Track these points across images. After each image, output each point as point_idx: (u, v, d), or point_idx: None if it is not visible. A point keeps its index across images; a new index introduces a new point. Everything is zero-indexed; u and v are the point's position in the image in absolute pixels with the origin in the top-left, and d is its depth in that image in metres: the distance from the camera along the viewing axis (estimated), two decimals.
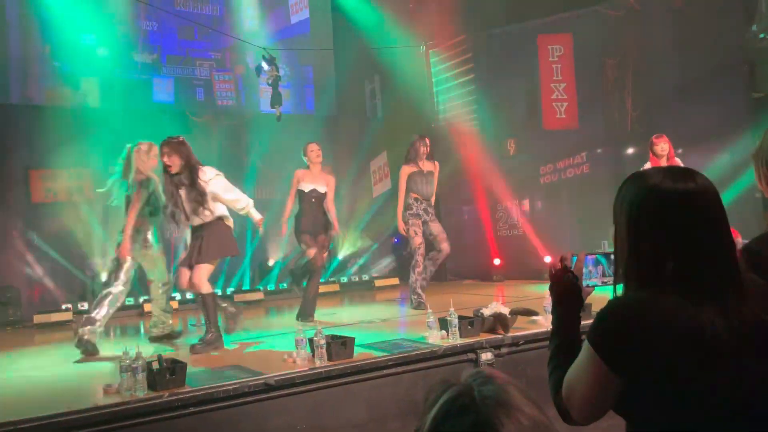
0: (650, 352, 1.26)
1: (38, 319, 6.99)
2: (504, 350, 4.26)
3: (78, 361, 4.63)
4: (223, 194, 4.77)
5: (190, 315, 6.90)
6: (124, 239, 5.04)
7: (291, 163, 8.71)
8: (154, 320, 5.46)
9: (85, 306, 7.55)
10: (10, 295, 7.22)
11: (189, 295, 7.13)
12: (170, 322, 5.52)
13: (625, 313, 1.33)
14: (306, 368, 3.70)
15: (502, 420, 0.80)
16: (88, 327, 4.76)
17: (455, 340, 4.21)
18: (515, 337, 4.32)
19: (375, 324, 5.60)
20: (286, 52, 9.09)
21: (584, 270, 1.63)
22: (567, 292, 1.61)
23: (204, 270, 4.74)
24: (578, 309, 1.61)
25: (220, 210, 4.85)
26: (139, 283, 6.16)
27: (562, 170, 8.61)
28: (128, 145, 5.25)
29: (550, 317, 1.64)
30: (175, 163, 4.67)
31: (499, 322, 4.42)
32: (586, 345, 1.37)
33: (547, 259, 7.85)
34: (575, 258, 1.64)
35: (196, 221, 4.78)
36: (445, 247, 6.36)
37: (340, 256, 9.38)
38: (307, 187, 6.07)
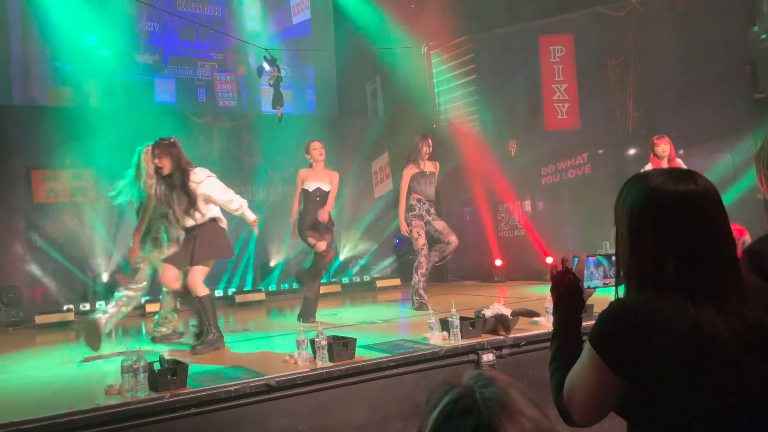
0: (651, 354, 1.27)
1: (40, 319, 6.99)
2: (505, 351, 4.26)
3: (84, 360, 4.65)
4: (216, 195, 4.75)
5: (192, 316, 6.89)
6: (134, 242, 5.10)
7: (292, 164, 8.76)
8: (160, 319, 5.47)
9: (87, 307, 7.56)
10: (11, 296, 7.23)
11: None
12: (174, 323, 5.54)
13: (627, 314, 1.33)
14: (307, 369, 3.70)
15: (504, 422, 0.81)
16: (98, 316, 4.81)
17: (457, 341, 4.20)
18: (517, 339, 4.32)
19: (376, 325, 5.60)
20: (287, 53, 9.10)
21: (585, 271, 1.63)
22: (568, 293, 1.62)
23: (198, 272, 4.73)
24: (579, 310, 1.61)
25: (212, 211, 4.82)
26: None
27: (564, 171, 8.61)
28: (139, 149, 5.28)
29: (551, 318, 1.64)
30: (166, 165, 4.67)
31: (500, 323, 4.42)
32: (587, 346, 1.37)
33: (549, 260, 7.85)
34: (576, 259, 1.64)
35: (189, 222, 4.77)
36: (453, 239, 6.34)
37: (342, 256, 9.38)
38: (311, 186, 6.06)
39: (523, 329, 4.51)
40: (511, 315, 4.50)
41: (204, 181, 4.71)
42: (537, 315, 4.70)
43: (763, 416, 1.26)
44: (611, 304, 1.37)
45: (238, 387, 3.42)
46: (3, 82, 7.81)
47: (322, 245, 5.92)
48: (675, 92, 7.61)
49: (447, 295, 6.62)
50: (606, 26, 8.15)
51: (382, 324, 5.68)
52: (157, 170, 4.72)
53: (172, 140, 4.74)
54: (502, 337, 4.31)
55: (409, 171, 6.41)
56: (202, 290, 4.77)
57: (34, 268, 7.61)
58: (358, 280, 9.34)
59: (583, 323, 1.59)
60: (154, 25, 8.79)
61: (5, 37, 7.79)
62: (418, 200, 6.39)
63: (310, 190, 6.05)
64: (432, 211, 6.47)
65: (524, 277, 8.31)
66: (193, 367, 3.76)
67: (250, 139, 8.97)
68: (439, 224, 6.42)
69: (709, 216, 1.33)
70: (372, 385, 3.80)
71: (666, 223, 1.33)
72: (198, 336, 4.94)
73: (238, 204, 4.87)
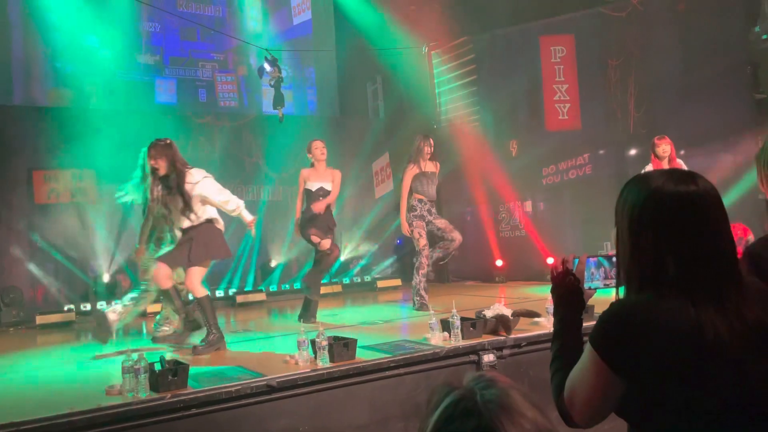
0: (652, 354, 1.27)
1: (41, 319, 7.00)
2: (506, 352, 4.26)
3: (97, 357, 4.67)
4: (213, 196, 4.74)
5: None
6: (140, 242, 5.13)
7: (293, 164, 8.76)
8: (161, 320, 5.48)
9: (88, 307, 7.57)
10: (12, 296, 7.24)
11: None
12: (176, 323, 5.54)
13: (628, 315, 1.33)
14: (308, 370, 3.70)
15: (505, 424, 0.80)
16: (111, 309, 4.92)
17: (457, 341, 4.20)
18: (517, 339, 4.32)
19: (377, 325, 5.60)
20: (288, 54, 9.11)
21: (586, 272, 1.63)
22: (569, 294, 1.62)
23: (196, 273, 4.73)
24: (580, 311, 1.61)
25: (209, 212, 4.81)
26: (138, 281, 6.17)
27: (565, 171, 8.61)
28: (144, 149, 5.29)
29: (552, 319, 1.64)
30: (162, 166, 4.67)
31: (501, 323, 4.42)
32: (588, 347, 1.37)
33: (550, 261, 7.84)
34: (577, 260, 1.64)
35: (185, 223, 4.76)
36: (456, 236, 6.33)
37: (343, 257, 9.39)
38: (314, 186, 6.05)
39: (524, 330, 4.51)
40: (511, 316, 4.50)
41: (200, 181, 4.69)
42: (538, 315, 4.70)
43: (764, 416, 1.26)
44: (612, 304, 1.37)
45: (239, 387, 3.42)
46: (4, 83, 7.82)
47: (326, 243, 5.91)
48: (676, 92, 7.60)
49: (448, 295, 6.63)
50: (607, 26, 8.15)
51: (382, 324, 5.68)
52: (153, 171, 4.71)
53: (167, 141, 4.74)
54: (502, 338, 4.31)
55: (411, 171, 6.41)
56: (200, 291, 4.77)
57: (35, 269, 7.62)
58: (359, 280, 9.34)
59: (584, 324, 1.59)
60: (155, 26, 8.80)
61: (6, 38, 7.80)
62: (420, 200, 6.39)
63: (313, 189, 6.05)
64: (433, 210, 6.47)
65: (525, 277, 8.31)
66: (194, 368, 3.76)
67: (250, 140, 8.97)
68: (441, 222, 6.42)
69: (710, 217, 1.33)
70: (373, 386, 3.80)
71: (666, 223, 1.33)
72: (191, 327, 4.93)
73: (235, 205, 4.86)
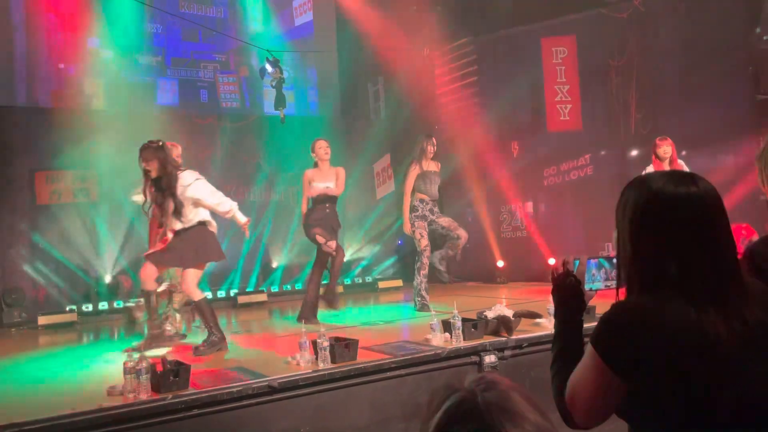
0: (653, 356, 1.27)
1: (43, 320, 7.01)
2: (507, 353, 4.26)
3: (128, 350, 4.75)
4: (205, 198, 4.73)
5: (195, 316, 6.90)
6: (149, 242, 5.18)
7: (295, 165, 8.76)
8: (162, 318, 5.50)
9: (90, 307, 7.58)
10: (15, 296, 7.25)
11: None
12: (177, 324, 5.56)
13: (629, 317, 1.33)
14: (309, 370, 3.70)
15: (506, 426, 0.81)
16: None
17: (459, 342, 4.20)
18: (519, 340, 4.32)
19: (378, 326, 5.60)
20: (289, 54, 9.11)
21: (587, 273, 1.63)
22: (569, 295, 1.62)
23: (192, 276, 4.73)
24: (581, 312, 1.61)
25: (201, 215, 4.80)
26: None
27: (566, 172, 8.60)
28: None
29: (553, 320, 1.64)
30: (153, 168, 4.66)
31: (502, 324, 4.41)
32: (589, 348, 1.37)
33: (551, 262, 7.84)
34: (578, 261, 1.64)
35: (177, 225, 4.75)
36: (462, 233, 6.34)
37: (343, 258, 9.39)
38: (319, 186, 6.04)
39: (526, 331, 4.51)
40: (513, 316, 4.50)
41: (192, 184, 4.68)
42: (539, 316, 4.70)
43: (765, 417, 1.26)
44: (613, 305, 1.37)
45: (240, 388, 3.43)
46: (6, 84, 7.83)
47: (332, 245, 5.89)
48: (677, 93, 7.60)
49: (449, 296, 6.63)
50: (608, 28, 8.14)
51: (384, 325, 5.68)
52: (146, 173, 4.72)
53: (159, 143, 4.72)
54: (504, 339, 4.31)
55: (413, 171, 6.43)
56: (197, 294, 4.77)
57: (37, 269, 7.63)
58: (361, 281, 9.34)
59: (585, 325, 1.59)
60: (156, 27, 8.81)
61: (9, 39, 7.81)
62: (421, 200, 6.39)
63: (319, 189, 6.03)
64: (435, 210, 6.46)
65: (526, 278, 8.30)
66: (196, 369, 3.76)
67: (252, 141, 8.98)
68: (445, 221, 6.42)
69: (710, 218, 1.34)
70: (374, 387, 3.80)
71: (667, 225, 1.33)
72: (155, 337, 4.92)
73: (228, 206, 4.84)
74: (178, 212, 4.68)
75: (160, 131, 6.95)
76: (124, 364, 3.42)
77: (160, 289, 5.54)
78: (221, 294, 8.30)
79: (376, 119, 10.25)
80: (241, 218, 4.94)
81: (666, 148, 5.99)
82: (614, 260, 1.53)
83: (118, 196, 7.49)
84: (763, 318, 1.28)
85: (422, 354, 4.00)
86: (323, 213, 6.01)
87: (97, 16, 8.19)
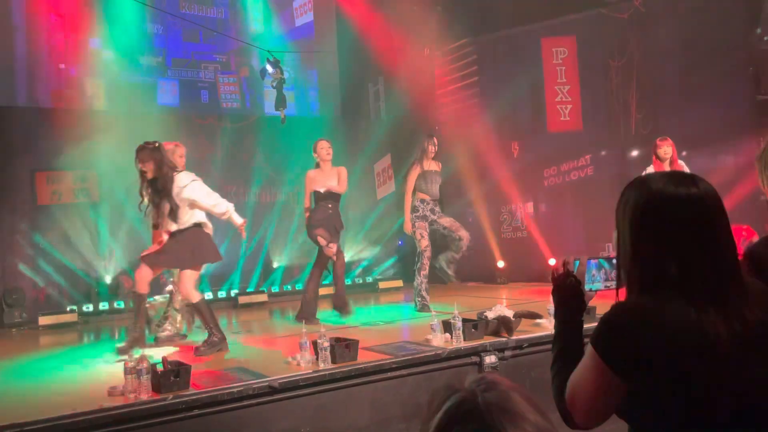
0: (653, 356, 1.27)
1: (43, 320, 7.01)
2: (508, 353, 4.26)
3: (123, 357, 4.77)
4: (201, 200, 4.71)
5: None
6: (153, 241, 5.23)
7: (295, 166, 8.76)
8: (162, 319, 5.51)
9: (90, 308, 7.59)
10: (15, 297, 7.26)
11: None
12: (178, 324, 5.56)
13: (629, 317, 1.33)
14: (310, 371, 3.70)
15: (506, 427, 0.81)
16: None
17: (459, 343, 4.21)
18: (519, 341, 4.32)
19: (379, 326, 5.60)
20: (290, 55, 9.11)
21: (587, 274, 1.64)
22: (569, 295, 1.62)
23: (188, 278, 4.73)
24: (581, 313, 1.61)
25: (197, 216, 4.79)
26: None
27: (566, 173, 8.60)
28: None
29: (553, 320, 1.64)
30: (150, 169, 4.66)
31: (503, 325, 4.42)
32: (589, 349, 1.38)
33: (552, 262, 7.84)
34: (578, 262, 1.65)
35: (173, 227, 4.74)
36: (463, 234, 6.34)
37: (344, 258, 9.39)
38: (321, 187, 6.02)
39: (526, 331, 4.51)
40: (513, 317, 4.50)
41: (188, 185, 4.67)
42: (539, 317, 4.70)
43: (765, 417, 1.26)
44: (613, 306, 1.37)
45: (241, 389, 3.43)
46: (7, 84, 7.83)
47: (333, 248, 5.88)
48: (677, 94, 7.60)
49: (449, 296, 6.63)
50: (608, 28, 8.14)
51: (384, 325, 5.68)
52: (142, 174, 4.71)
53: (156, 144, 4.72)
54: (504, 339, 4.31)
55: (414, 170, 6.44)
56: (195, 296, 4.77)
57: (38, 270, 7.63)
58: (361, 281, 9.34)
59: (586, 325, 1.59)
60: (157, 28, 8.81)
61: (9, 39, 7.81)
62: (422, 200, 6.39)
63: (321, 190, 6.02)
64: (437, 209, 6.46)
65: (527, 278, 8.30)
66: (196, 369, 3.77)
67: (252, 141, 8.98)
68: (447, 221, 6.42)
69: (710, 219, 1.34)
70: (374, 387, 3.81)
71: (667, 226, 1.34)
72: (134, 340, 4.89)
73: (224, 208, 4.83)
74: (173, 214, 4.67)
75: (161, 132, 6.95)
76: (125, 364, 3.43)
77: (165, 290, 5.57)
78: (222, 294, 8.31)
79: (376, 119, 10.25)
80: (238, 219, 4.93)
81: (666, 149, 5.99)
82: (614, 261, 1.53)
83: (118, 196, 7.50)
84: (763, 318, 1.28)
85: (423, 354, 4.01)
86: (326, 213, 6.00)
87: (98, 17, 8.19)
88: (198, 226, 4.80)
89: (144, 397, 3.30)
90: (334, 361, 3.80)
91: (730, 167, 6.85)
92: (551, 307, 4.24)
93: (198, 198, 4.70)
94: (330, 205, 6.03)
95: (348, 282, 9.10)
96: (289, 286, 8.95)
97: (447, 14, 8.84)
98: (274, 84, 8.02)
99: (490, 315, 4.51)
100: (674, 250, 1.32)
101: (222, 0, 9.34)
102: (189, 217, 4.75)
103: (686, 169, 5.81)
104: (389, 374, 3.85)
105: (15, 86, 7.95)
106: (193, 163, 5.67)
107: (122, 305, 7.52)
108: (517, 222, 8.91)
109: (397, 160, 9.24)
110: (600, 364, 1.33)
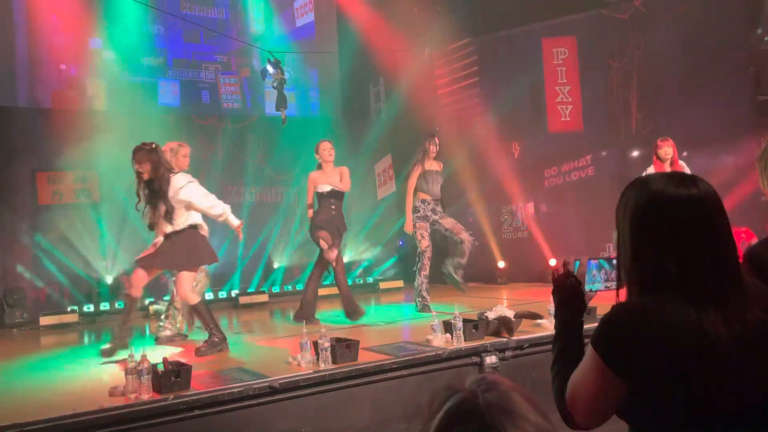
0: (654, 357, 1.27)
1: (44, 321, 7.02)
2: (509, 354, 4.26)
3: (112, 360, 4.73)
4: (197, 201, 4.71)
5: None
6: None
7: (296, 166, 8.76)
8: (162, 319, 5.53)
9: (91, 308, 7.59)
10: (16, 297, 7.26)
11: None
12: (178, 324, 5.57)
13: (629, 318, 1.33)
14: (310, 371, 3.70)
15: (507, 427, 0.81)
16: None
17: (459, 343, 4.21)
18: (520, 341, 4.32)
19: (379, 327, 5.60)
20: (291, 55, 9.11)
21: (587, 274, 1.64)
22: (569, 296, 1.62)
23: (185, 280, 4.73)
24: (581, 313, 1.62)
25: (193, 218, 4.78)
26: (147, 286, 6.18)
27: (567, 173, 8.60)
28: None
29: (554, 321, 1.64)
30: (146, 170, 4.64)
31: (503, 325, 4.42)
32: (590, 349, 1.38)
33: (552, 262, 7.84)
34: (578, 262, 1.65)
35: (168, 228, 4.73)
36: (465, 236, 6.34)
37: (345, 259, 9.39)
38: (324, 188, 6.00)
39: (526, 331, 4.51)
40: (514, 317, 4.50)
41: (185, 186, 4.66)
42: (540, 317, 4.70)
43: (765, 417, 1.26)
44: (613, 307, 1.38)
45: (241, 389, 3.43)
46: (8, 84, 7.84)
47: (333, 254, 5.86)
48: (678, 94, 7.59)
49: (450, 297, 6.63)
50: (609, 28, 8.14)
51: (384, 326, 5.68)
52: (138, 175, 4.71)
53: (153, 145, 4.71)
54: (505, 340, 4.31)
55: (416, 170, 6.44)
56: (193, 299, 4.77)
57: (39, 270, 7.64)
58: (362, 281, 9.34)
59: (586, 326, 1.59)
60: (158, 28, 8.82)
61: (10, 39, 7.82)
62: (423, 201, 6.40)
63: (324, 192, 6.00)
64: (438, 209, 6.46)
65: (527, 279, 8.30)
66: (197, 369, 3.77)
67: (253, 142, 8.99)
68: (448, 222, 6.41)
69: (710, 219, 1.34)
70: (375, 387, 3.81)
71: (667, 227, 1.34)
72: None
73: (221, 210, 4.83)
74: (169, 215, 4.66)
75: (162, 132, 6.96)
76: (126, 364, 3.43)
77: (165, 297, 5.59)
78: (223, 295, 8.31)
79: (377, 120, 10.25)
80: (234, 221, 4.93)
81: (667, 149, 5.99)
82: (614, 261, 1.53)
83: (119, 196, 7.49)
84: (763, 318, 1.28)
85: (423, 355, 4.01)
86: (329, 215, 5.96)
87: (99, 17, 8.20)
88: (194, 227, 4.79)
89: (145, 397, 3.30)
90: (334, 362, 3.80)
91: (730, 167, 6.85)
92: (552, 307, 4.25)
93: (194, 200, 4.69)
94: (333, 206, 6.01)
95: (348, 282, 9.10)
96: (289, 287, 8.95)
97: (447, 14, 8.83)
98: (275, 84, 8.02)
99: (491, 315, 4.51)
100: (674, 250, 1.32)
101: (223, 0, 9.35)
102: (185, 219, 4.73)
103: (687, 170, 5.81)
104: (390, 374, 3.85)
105: (16, 87, 7.96)
106: (194, 164, 5.66)
107: (123, 305, 7.51)
108: (517, 222, 8.91)
109: (397, 160, 9.24)
110: (600, 364, 1.33)
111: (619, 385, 1.32)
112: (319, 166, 6.10)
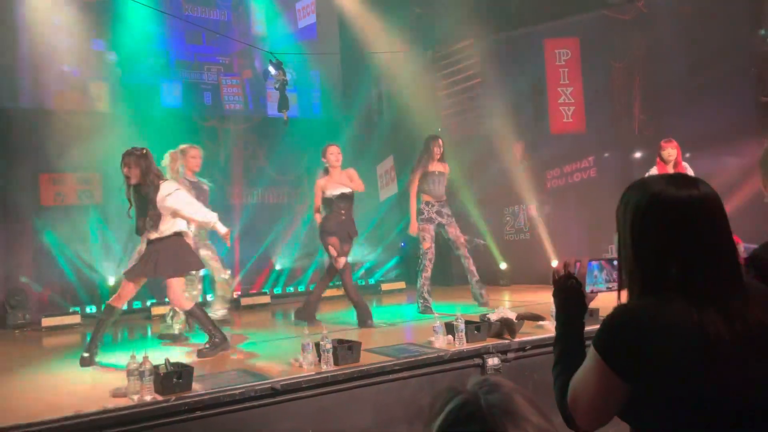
0: (655, 358, 1.27)
1: (46, 322, 7.02)
2: (511, 355, 4.26)
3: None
4: (183, 209, 4.70)
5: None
6: None
7: (298, 167, 8.76)
8: (168, 321, 5.55)
9: (93, 309, 7.60)
10: (19, 298, 7.27)
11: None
12: (182, 325, 5.59)
13: (631, 319, 1.33)
14: (312, 372, 3.70)
15: (509, 429, 0.81)
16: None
17: (462, 345, 4.20)
18: (522, 342, 4.31)
19: (381, 328, 5.60)
20: (293, 57, 9.12)
21: (588, 276, 1.64)
22: (570, 297, 1.62)
23: (176, 286, 4.72)
24: (582, 314, 1.62)
25: (178, 225, 4.78)
26: (147, 286, 6.21)
27: (569, 174, 8.59)
28: (163, 154, 5.42)
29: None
30: (135, 175, 4.63)
31: (505, 327, 4.42)
32: (591, 351, 1.38)
33: (554, 264, 7.83)
34: (579, 264, 1.65)
35: (153, 235, 4.72)
36: (463, 252, 6.38)
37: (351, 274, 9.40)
38: (333, 193, 5.93)
39: (529, 333, 4.50)
40: (516, 319, 4.50)
41: (172, 194, 4.66)
42: (542, 319, 4.70)
43: (766, 418, 1.26)
44: (615, 308, 1.38)
45: (243, 390, 3.43)
46: (11, 86, 7.86)
47: (341, 262, 5.82)
48: (681, 95, 7.58)
49: (452, 298, 6.63)
50: (611, 29, 8.13)
51: (386, 327, 5.68)
52: (126, 178, 4.69)
53: (144, 151, 4.69)
54: (507, 341, 4.31)
55: (417, 172, 6.45)
56: (186, 304, 4.78)
57: (41, 271, 7.65)
58: (363, 283, 9.34)
59: (588, 327, 1.59)
60: (160, 30, 8.83)
61: (13, 41, 7.83)
62: (427, 203, 6.40)
63: (334, 196, 5.93)
64: (444, 212, 6.46)
65: (529, 280, 8.29)
66: (199, 370, 3.77)
67: (255, 143, 8.99)
68: (452, 233, 6.42)
69: (711, 220, 1.34)
70: (377, 389, 3.81)
71: (668, 228, 1.34)
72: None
73: (208, 217, 4.84)
74: (155, 221, 4.65)
75: (164, 133, 6.98)
76: (128, 365, 3.44)
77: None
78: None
79: (379, 121, 10.26)
80: (222, 229, 4.96)
81: (671, 151, 5.98)
82: (615, 262, 1.53)
83: (121, 197, 7.49)
84: (763, 319, 1.28)
85: (425, 356, 4.00)
86: (339, 219, 5.89)
87: (101, 19, 8.21)
88: (178, 235, 4.79)
89: (147, 398, 3.30)
90: (336, 363, 3.80)
91: (733, 169, 6.82)
92: (554, 308, 4.24)
93: (180, 207, 4.68)
94: (343, 211, 5.93)
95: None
96: (291, 288, 8.95)
97: (449, 16, 8.84)
98: (277, 86, 8.01)
99: (493, 317, 4.50)
100: (675, 251, 1.33)
101: (225, 2, 9.36)
102: (170, 226, 4.72)
103: (690, 172, 5.80)
104: (392, 376, 3.85)
105: (18, 88, 7.97)
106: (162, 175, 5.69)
107: (125, 307, 7.52)
108: (519, 224, 8.90)
109: (399, 161, 9.24)
110: (602, 366, 1.33)
111: (620, 386, 1.32)
112: (326, 171, 6.03)
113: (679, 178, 1.39)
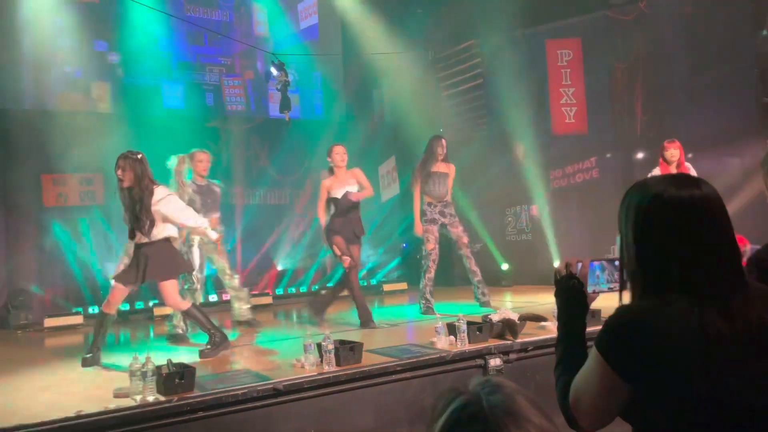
0: (657, 358, 1.27)
1: (49, 322, 7.04)
2: (513, 356, 4.25)
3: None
4: (174, 215, 4.69)
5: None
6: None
7: (300, 168, 8.77)
8: (174, 321, 5.58)
9: (96, 310, 7.59)
10: (21, 299, 7.28)
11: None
12: (183, 324, 5.59)
13: (633, 319, 1.33)
14: (314, 373, 3.70)
15: (511, 430, 0.81)
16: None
17: (464, 345, 4.20)
18: (524, 343, 4.31)
19: (383, 329, 5.60)
20: (295, 57, 9.13)
21: (590, 276, 1.64)
22: (572, 298, 1.62)
23: (169, 289, 4.72)
24: (584, 315, 1.62)
25: (168, 230, 4.77)
26: (149, 287, 6.22)
27: (571, 175, 8.59)
28: (171, 156, 5.44)
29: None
30: (128, 178, 4.61)
31: (507, 327, 4.41)
32: (594, 352, 1.38)
33: (556, 264, 7.82)
34: (580, 264, 1.65)
35: (142, 239, 4.70)
36: (465, 252, 6.37)
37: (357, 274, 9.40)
38: (339, 192, 5.91)
39: (531, 334, 4.50)
40: (518, 319, 4.50)
41: (163, 199, 4.65)
42: (544, 319, 4.70)
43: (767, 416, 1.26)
44: (617, 309, 1.38)
45: (246, 391, 3.44)
46: (13, 87, 7.87)
47: (347, 261, 5.80)
48: (683, 96, 7.58)
49: (454, 299, 6.63)
50: (614, 30, 8.13)
51: (389, 328, 5.68)
52: (119, 181, 4.67)
53: (139, 156, 4.68)
54: (509, 342, 4.31)
55: (419, 172, 6.45)
56: (183, 305, 4.78)
57: (44, 272, 7.66)
58: (366, 284, 9.33)
59: (590, 328, 1.59)
60: (162, 31, 8.84)
61: (16, 42, 7.85)
62: (429, 204, 6.41)
63: (340, 196, 5.91)
64: (448, 212, 6.45)
65: (532, 281, 8.29)
66: (201, 371, 3.77)
67: (257, 143, 9.00)
68: (455, 233, 6.42)
69: (713, 221, 1.34)
70: (379, 390, 3.80)
71: (670, 228, 1.34)
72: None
73: (199, 223, 4.84)
74: (146, 226, 4.65)
75: (166, 134, 6.99)
76: (130, 366, 3.44)
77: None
78: (227, 297, 8.30)
79: (380, 121, 10.26)
80: (213, 235, 5.01)
81: (674, 152, 5.97)
82: (617, 263, 1.53)
83: None
84: (765, 319, 1.28)
85: (427, 357, 4.00)
86: (345, 219, 5.89)
87: (104, 20, 8.23)
88: (167, 240, 4.78)
89: (149, 399, 3.31)
90: (338, 364, 3.80)
91: (735, 169, 6.82)
92: (556, 309, 4.23)
93: (171, 213, 4.67)
94: (350, 211, 5.93)
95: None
96: (293, 289, 8.95)
97: (451, 16, 8.84)
98: (279, 86, 8.02)
99: (495, 318, 4.50)
100: (677, 252, 1.33)
101: (227, 3, 9.37)
102: (160, 231, 4.71)
103: (693, 172, 5.78)
104: (394, 377, 3.85)
105: (21, 89, 7.99)
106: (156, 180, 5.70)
107: (127, 307, 7.54)
108: (521, 224, 8.89)
109: (401, 162, 9.24)
110: (604, 366, 1.33)
111: (622, 387, 1.32)
112: (331, 171, 6.02)
113: (681, 179, 1.39)
